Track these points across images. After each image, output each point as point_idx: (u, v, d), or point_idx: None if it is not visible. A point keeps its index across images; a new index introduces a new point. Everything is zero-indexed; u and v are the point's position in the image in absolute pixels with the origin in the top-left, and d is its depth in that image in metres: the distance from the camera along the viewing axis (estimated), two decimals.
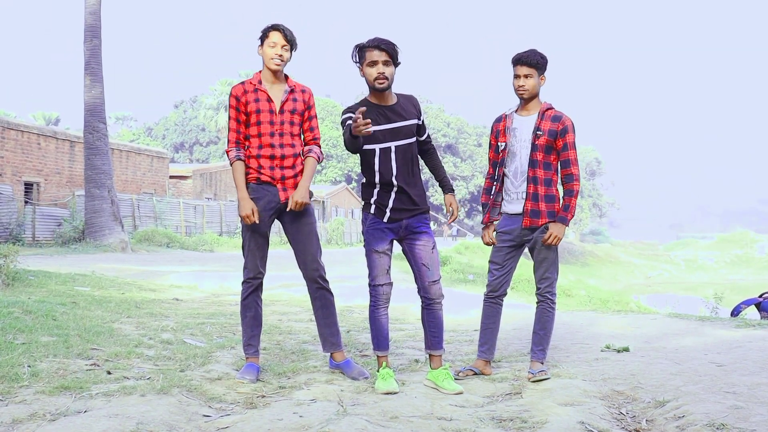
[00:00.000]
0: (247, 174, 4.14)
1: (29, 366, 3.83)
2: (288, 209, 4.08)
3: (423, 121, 4.13)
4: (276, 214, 4.17)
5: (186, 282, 10.84)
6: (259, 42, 4.10)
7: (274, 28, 4.07)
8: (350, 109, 3.94)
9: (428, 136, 4.20)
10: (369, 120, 3.70)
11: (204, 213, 31.40)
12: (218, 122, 57.24)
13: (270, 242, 4.26)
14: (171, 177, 32.85)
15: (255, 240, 4.15)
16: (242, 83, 4.16)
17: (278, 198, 4.12)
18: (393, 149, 3.92)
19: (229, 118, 4.16)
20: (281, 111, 4.11)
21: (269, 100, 4.11)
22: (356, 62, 3.91)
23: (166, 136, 70.68)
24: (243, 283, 4.22)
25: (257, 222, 4.08)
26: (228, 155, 4.17)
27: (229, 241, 28.00)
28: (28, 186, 22.54)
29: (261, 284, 4.24)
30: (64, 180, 24.11)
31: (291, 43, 4.09)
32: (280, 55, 4.06)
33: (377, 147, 3.92)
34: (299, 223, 4.18)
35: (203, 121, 59.96)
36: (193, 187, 33.86)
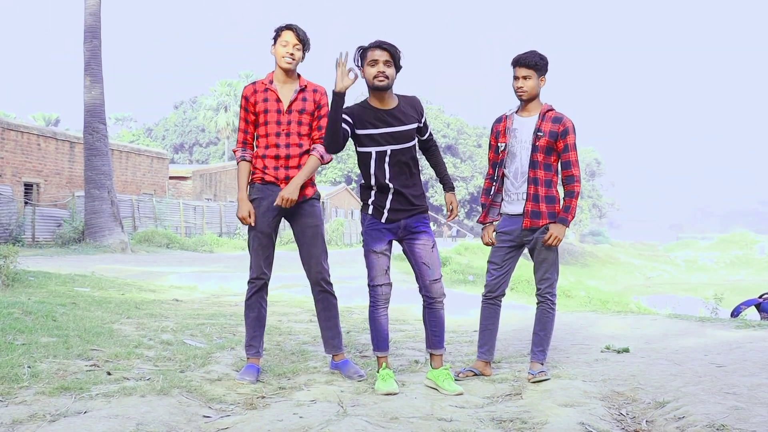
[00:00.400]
0: (253, 174, 4.15)
1: (29, 367, 3.83)
2: (275, 204, 4.08)
3: (425, 121, 4.11)
4: (281, 214, 4.17)
5: (186, 283, 10.84)
6: (272, 41, 4.10)
7: (288, 27, 4.08)
8: (347, 110, 3.94)
9: (430, 134, 4.19)
10: (350, 68, 3.69)
11: (204, 214, 31.40)
12: (218, 123, 57.25)
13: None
14: (171, 178, 32.87)
15: (258, 240, 4.15)
16: (253, 83, 4.18)
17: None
18: (389, 153, 3.91)
19: (240, 118, 4.19)
20: (289, 111, 4.11)
21: (278, 99, 4.11)
22: (358, 65, 3.89)
23: (165, 136, 70.71)
24: (248, 282, 4.23)
25: (253, 224, 4.09)
26: (235, 155, 4.19)
27: (228, 242, 28.01)
28: (28, 187, 22.55)
29: (265, 285, 4.22)
30: (64, 181, 24.12)
31: (303, 42, 4.10)
32: (291, 54, 4.06)
33: (374, 150, 3.91)
34: (304, 225, 4.18)
35: (203, 122, 59.96)
36: (192, 187, 33.87)
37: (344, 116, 3.86)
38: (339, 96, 3.70)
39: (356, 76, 3.73)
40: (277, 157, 4.10)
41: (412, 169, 3.99)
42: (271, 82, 4.14)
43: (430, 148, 4.23)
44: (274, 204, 4.07)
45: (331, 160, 4.21)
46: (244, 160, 4.16)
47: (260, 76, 65.17)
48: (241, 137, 4.18)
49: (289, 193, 4.03)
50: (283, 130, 4.10)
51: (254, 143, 4.20)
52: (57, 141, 23.94)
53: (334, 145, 3.82)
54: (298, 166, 4.12)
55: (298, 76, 4.20)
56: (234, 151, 4.21)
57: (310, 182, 4.18)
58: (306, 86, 4.17)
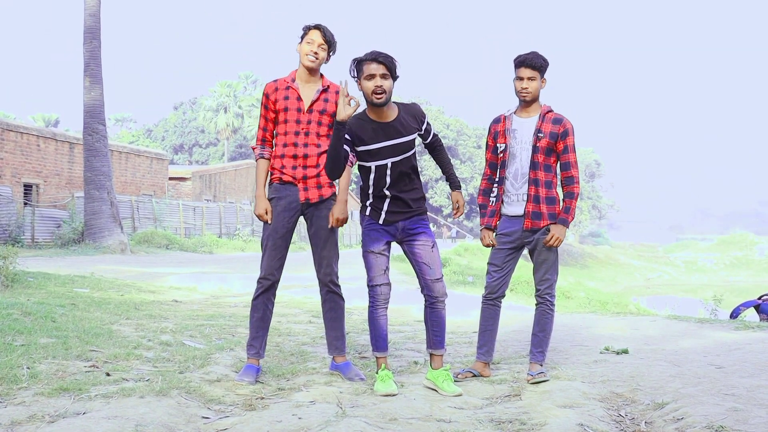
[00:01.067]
0: (271, 174, 4.16)
1: (28, 368, 3.83)
2: (330, 226, 4.11)
3: (426, 127, 4.05)
4: (298, 214, 4.17)
5: (185, 284, 10.84)
6: (299, 39, 4.11)
7: (316, 26, 4.08)
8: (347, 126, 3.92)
9: (434, 135, 4.15)
10: (353, 98, 3.71)
11: (203, 215, 31.40)
12: (217, 124, 57.27)
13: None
14: (170, 178, 32.87)
15: (273, 240, 4.14)
16: (275, 80, 4.17)
17: (299, 198, 4.12)
18: (389, 165, 3.90)
19: (260, 115, 4.19)
20: (310, 110, 4.11)
21: (299, 98, 4.11)
22: (354, 77, 3.87)
23: (165, 137, 70.67)
24: (257, 281, 4.21)
25: (270, 222, 4.09)
26: (254, 152, 4.20)
27: (228, 243, 28.01)
28: (28, 187, 22.55)
29: (273, 286, 4.19)
30: (64, 182, 24.11)
31: (329, 43, 4.10)
32: (316, 53, 4.06)
33: (373, 164, 3.90)
34: (320, 227, 4.18)
35: (203, 123, 59.96)
36: (192, 188, 33.87)
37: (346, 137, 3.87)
38: (341, 125, 3.71)
39: (357, 104, 3.74)
40: (295, 157, 4.10)
41: (411, 176, 3.98)
42: (294, 80, 4.14)
43: (435, 149, 4.21)
44: (329, 227, 4.12)
45: (355, 162, 4.11)
46: (263, 157, 4.16)
47: (260, 77, 65.35)
48: (260, 134, 4.17)
49: (340, 212, 4.10)
50: (302, 130, 4.10)
51: (273, 141, 4.20)
52: (56, 142, 23.95)
53: (335, 172, 3.85)
54: (316, 166, 4.12)
55: (321, 76, 4.20)
56: (252, 149, 4.21)
57: (327, 182, 4.18)
58: (329, 87, 4.17)
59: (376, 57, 3.79)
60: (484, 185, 4.42)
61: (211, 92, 58.82)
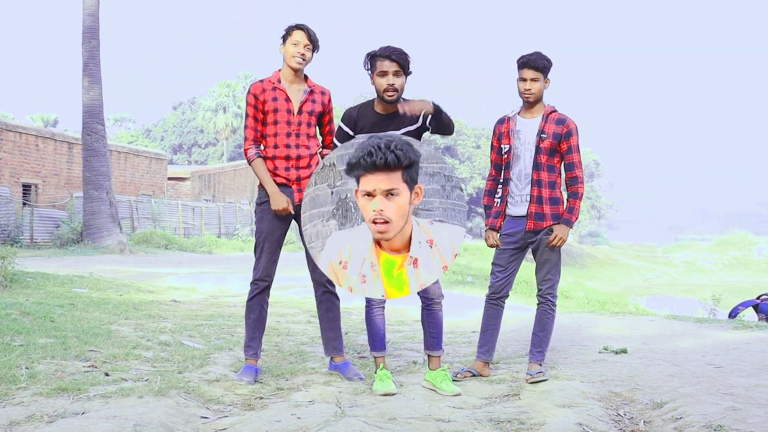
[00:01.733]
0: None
1: (27, 368, 3.83)
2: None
3: (429, 122, 3.95)
4: (292, 216, 4.16)
5: (184, 284, 10.85)
6: (281, 40, 4.10)
7: (298, 27, 4.07)
8: (350, 113, 3.95)
9: (438, 119, 3.90)
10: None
11: (202, 215, 31.39)
12: (217, 124, 57.24)
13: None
14: (169, 178, 32.85)
15: (269, 242, 4.13)
16: (261, 81, 4.16)
17: (293, 200, 4.11)
18: None
19: (247, 115, 4.14)
20: (299, 111, 4.11)
21: (287, 99, 4.10)
22: (367, 70, 3.90)
23: (164, 137, 70.61)
24: (251, 283, 4.21)
25: (293, 213, 4.06)
26: (246, 153, 4.14)
27: (227, 243, 28.00)
28: (27, 188, 22.53)
29: (268, 287, 4.21)
30: (63, 182, 24.10)
31: (314, 43, 4.10)
32: (302, 54, 4.06)
33: None
34: None
35: (202, 123, 59.93)
36: (191, 188, 33.86)
37: (346, 129, 3.93)
38: None
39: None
40: (287, 158, 4.10)
41: None
42: (279, 81, 4.13)
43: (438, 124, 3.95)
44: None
45: None
46: (259, 157, 4.12)
47: (259, 77, 64.91)
48: (252, 134, 4.12)
49: None
50: (293, 131, 4.10)
51: (262, 141, 4.18)
52: (55, 142, 23.93)
53: None
54: (308, 166, 4.13)
55: (306, 77, 4.20)
56: (245, 150, 4.14)
57: None
58: (314, 88, 4.18)
59: (390, 54, 3.81)
60: (489, 186, 4.43)
61: (210, 92, 58.78)
